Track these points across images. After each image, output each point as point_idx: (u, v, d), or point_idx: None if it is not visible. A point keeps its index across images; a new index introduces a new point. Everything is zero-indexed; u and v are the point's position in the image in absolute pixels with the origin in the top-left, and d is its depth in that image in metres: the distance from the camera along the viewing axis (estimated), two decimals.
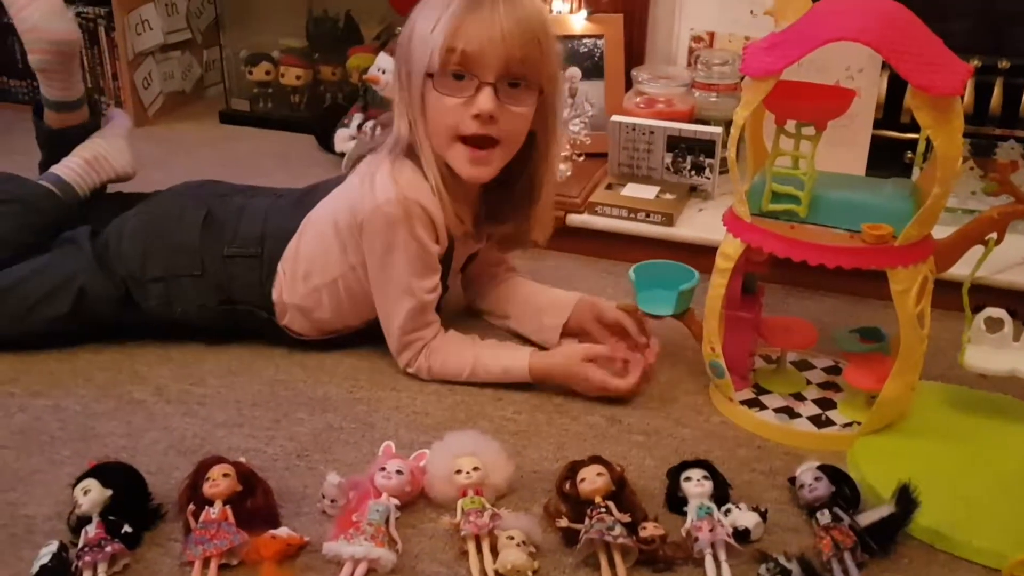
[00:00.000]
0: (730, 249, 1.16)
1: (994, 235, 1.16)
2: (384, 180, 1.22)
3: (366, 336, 1.39)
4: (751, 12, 1.85)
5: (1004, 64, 1.72)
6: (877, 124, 1.72)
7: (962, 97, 1.05)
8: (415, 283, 1.25)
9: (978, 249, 1.18)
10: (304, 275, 1.31)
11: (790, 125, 1.15)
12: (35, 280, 1.33)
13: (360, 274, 1.29)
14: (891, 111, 1.75)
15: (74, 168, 1.49)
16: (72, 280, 1.32)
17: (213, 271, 1.32)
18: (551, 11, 1.90)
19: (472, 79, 1.16)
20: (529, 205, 1.32)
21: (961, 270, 1.19)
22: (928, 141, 1.65)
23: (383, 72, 1.92)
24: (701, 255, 1.49)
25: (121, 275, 1.32)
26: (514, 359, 1.29)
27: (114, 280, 1.32)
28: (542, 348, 1.36)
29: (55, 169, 1.48)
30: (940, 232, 1.15)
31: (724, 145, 1.73)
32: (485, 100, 1.16)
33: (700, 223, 1.65)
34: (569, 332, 1.37)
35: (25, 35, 1.45)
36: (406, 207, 1.21)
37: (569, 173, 1.76)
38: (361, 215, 1.24)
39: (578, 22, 1.89)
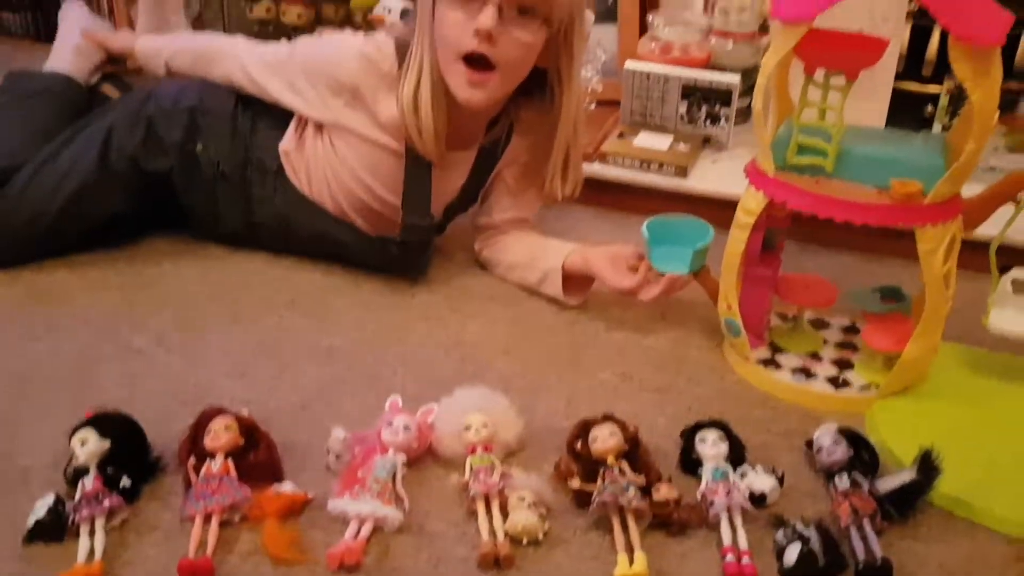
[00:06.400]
0: (752, 203, 1.12)
1: None
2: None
3: (370, 288, 1.36)
4: None
5: None
6: (898, 76, 1.67)
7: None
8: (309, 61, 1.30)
9: (1008, 208, 1.14)
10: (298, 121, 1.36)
11: (819, 75, 1.10)
12: (77, 139, 1.37)
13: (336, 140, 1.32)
14: (913, 63, 1.70)
15: (67, 59, 1.58)
16: (104, 128, 1.36)
17: (241, 119, 1.36)
18: None
19: None
20: (548, 147, 1.32)
21: (988, 230, 1.15)
22: (951, 96, 1.62)
23: (389, 12, 1.86)
24: (715, 208, 1.45)
25: (150, 113, 1.35)
26: None
27: (142, 115, 1.35)
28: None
29: (54, 66, 1.58)
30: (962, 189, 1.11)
31: (741, 94, 1.67)
32: (487, 17, 1.16)
33: (714, 175, 1.61)
34: (576, 276, 1.33)
35: None
36: (368, 46, 1.26)
37: None
38: None
39: None
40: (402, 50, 1.26)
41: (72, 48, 1.59)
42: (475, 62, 1.20)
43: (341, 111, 1.29)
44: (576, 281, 1.33)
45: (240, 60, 1.36)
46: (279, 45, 1.36)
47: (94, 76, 1.61)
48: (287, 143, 1.35)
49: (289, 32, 2.20)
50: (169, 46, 1.46)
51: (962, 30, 0.95)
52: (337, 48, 1.30)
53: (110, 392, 1.13)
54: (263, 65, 1.34)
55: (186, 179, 1.36)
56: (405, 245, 1.33)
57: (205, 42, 1.44)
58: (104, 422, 0.98)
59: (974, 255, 1.19)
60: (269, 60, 1.34)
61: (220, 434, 0.97)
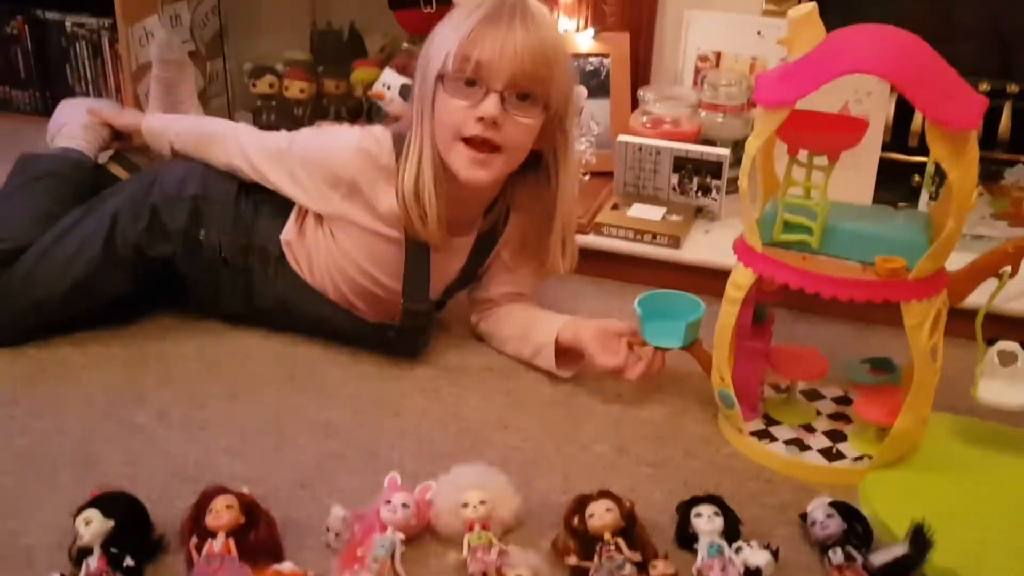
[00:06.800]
0: (741, 279, 1.15)
1: (1008, 268, 1.15)
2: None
3: (369, 361, 1.39)
4: (758, 33, 1.84)
5: (1013, 88, 1.72)
6: (885, 147, 1.71)
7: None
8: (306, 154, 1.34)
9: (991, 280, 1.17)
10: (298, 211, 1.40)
11: (802, 155, 1.14)
12: (82, 224, 1.39)
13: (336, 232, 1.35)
14: (899, 134, 1.74)
15: (77, 136, 1.59)
16: (108, 213, 1.38)
17: (244, 207, 1.40)
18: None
19: (481, 86, 1.21)
20: (546, 224, 1.36)
21: (975, 298, 1.18)
22: (937, 166, 1.66)
23: (388, 88, 1.91)
24: (709, 278, 1.48)
25: (154, 199, 1.38)
26: None
27: (146, 202, 1.38)
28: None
29: (64, 143, 1.59)
30: (951, 258, 1.13)
31: (731, 166, 1.72)
32: (490, 105, 1.20)
33: (707, 245, 1.64)
34: (568, 349, 1.35)
35: None
36: (366, 140, 1.30)
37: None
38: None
39: (585, 40, 1.88)
40: (399, 142, 1.29)
41: (80, 126, 1.63)
42: (478, 144, 1.23)
43: (339, 203, 1.32)
44: (569, 354, 1.35)
45: (242, 146, 1.39)
46: (279, 135, 1.39)
47: (102, 154, 1.65)
48: (288, 233, 1.38)
49: (292, 106, 2.26)
50: (173, 127, 1.50)
51: (937, 114, 0.99)
52: (335, 142, 1.33)
53: (113, 470, 1.14)
54: (264, 154, 1.37)
55: (189, 264, 1.39)
56: (403, 331, 1.35)
57: (209, 126, 1.48)
58: (108, 502, 1.00)
59: (964, 323, 1.21)
60: (270, 149, 1.37)
61: (222, 513, 0.99)
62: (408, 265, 1.32)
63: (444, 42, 1.22)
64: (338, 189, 1.32)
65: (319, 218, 1.36)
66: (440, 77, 1.23)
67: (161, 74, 1.66)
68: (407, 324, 1.35)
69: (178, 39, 1.88)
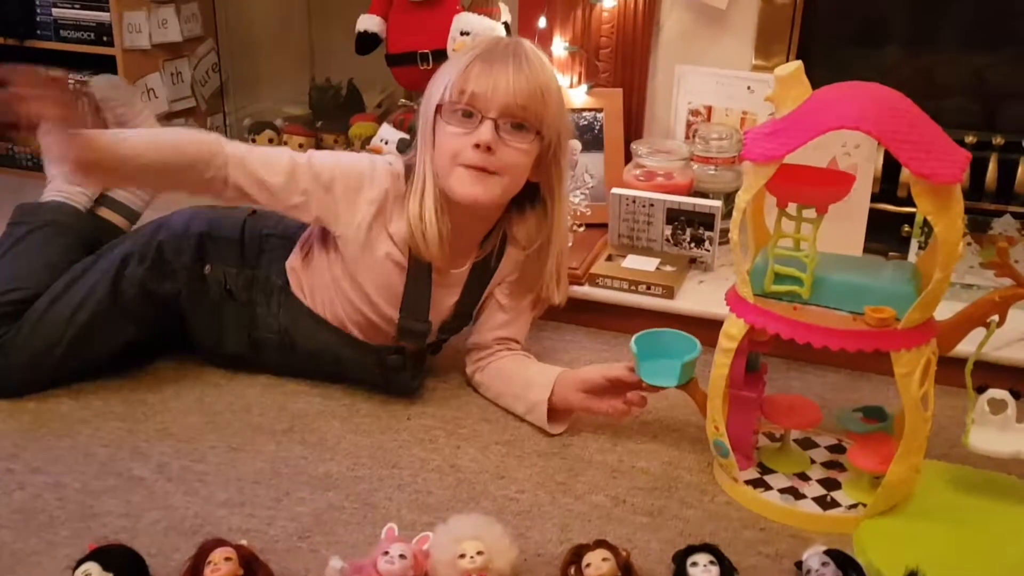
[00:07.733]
0: (734, 329, 1.17)
1: (995, 317, 1.17)
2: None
3: (366, 410, 1.40)
4: (748, 88, 1.88)
5: (998, 140, 1.76)
6: (874, 198, 1.74)
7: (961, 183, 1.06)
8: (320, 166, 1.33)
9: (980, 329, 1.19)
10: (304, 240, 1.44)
11: (791, 207, 1.17)
12: (92, 270, 1.43)
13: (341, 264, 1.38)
14: (888, 185, 1.78)
15: (63, 189, 1.60)
16: (117, 258, 1.42)
17: (249, 241, 1.44)
18: None
19: (476, 116, 1.27)
20: (543, 253, 1.41)
21: (962, 348, 1.19)
22: (926, 219, 1.69)
23: (385, 143, 1.94)
24: (703, 327, 1.49)
25: (160, 239, 1.42)
26: None
27: (152, 243, 1.42)
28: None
29: (52, 196, 1.60)
30: (940, 307, 1.15)
31: (723, 217, 1.74)
32: (485, 131, 1.26)
33: (700, 296, 1.66)
34: (560, 407, 1.37)
35: None
36: (389, 160, 1.36)
37: (570, 244, 1.77)
38: None
39: (578, 96, 1.92)
40: (409, 172, 1.35)
41: (63, 179, 1.62)
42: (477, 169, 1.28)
43: (354, 218, 1.33)
44: (560, 410, 1.37)
45: (241, 160, 1.30)
46: (292, 152, 1.35)
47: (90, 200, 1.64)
48: (294, 260, 1.42)
49: None
50: (120, 149, 1.25)
51: (921, 169, 1.01)
52: (361, 160, 1.37)
53: (113, 523, 1.15)
54: (270, 169, 1.31)
55: (194, 301, 1.42)
56: (402, 354, 1.38)
57: (181, 135, 1.38)
58: (107, 555, 1.00)
59: (954, 371, 1.22)
60: (283, 163, 1.32)
61: (220, 565, 0.99)
62: (408, 284, 1.36)
63: (444, 77, 1.30)
64: (354, 204, 1.33)
65: (324, 244, 1.39)
66: (439, 108, 1.29)
67: (111, 117, 1.67)
68: (404, 341, 1.38)
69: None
